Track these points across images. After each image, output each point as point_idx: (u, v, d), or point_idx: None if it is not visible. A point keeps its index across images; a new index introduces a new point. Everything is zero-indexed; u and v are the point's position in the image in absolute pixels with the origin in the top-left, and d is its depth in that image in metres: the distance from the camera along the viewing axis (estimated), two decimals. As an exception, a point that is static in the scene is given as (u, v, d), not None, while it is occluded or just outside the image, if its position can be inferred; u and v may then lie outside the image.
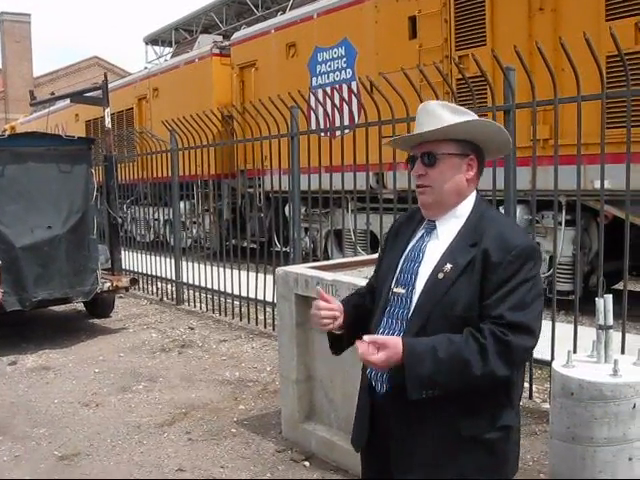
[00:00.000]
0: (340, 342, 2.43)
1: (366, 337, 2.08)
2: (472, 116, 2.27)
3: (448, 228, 2.24)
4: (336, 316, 2.31)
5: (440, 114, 2.23)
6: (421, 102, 6.04)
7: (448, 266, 2.14)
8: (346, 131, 7.18)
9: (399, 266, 2.29)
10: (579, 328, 5.18)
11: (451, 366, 2.03)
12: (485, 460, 2.15)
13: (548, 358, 5.15)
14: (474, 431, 2.13)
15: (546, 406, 5.11)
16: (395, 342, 2.06)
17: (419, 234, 2.32)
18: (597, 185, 7.59)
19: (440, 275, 2.14)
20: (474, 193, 2.30)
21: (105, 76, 9.94)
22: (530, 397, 5.46)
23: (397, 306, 2.24)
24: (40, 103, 14.83)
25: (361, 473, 2.50)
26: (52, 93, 13.18)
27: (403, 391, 2.07)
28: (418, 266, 2.22)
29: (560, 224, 7.97)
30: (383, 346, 2.04)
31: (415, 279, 2.21)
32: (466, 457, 2.14)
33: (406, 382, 2.03)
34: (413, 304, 2.19)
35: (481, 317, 2.09)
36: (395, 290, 2.26)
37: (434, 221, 2.28)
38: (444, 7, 9.32)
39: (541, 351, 5.30)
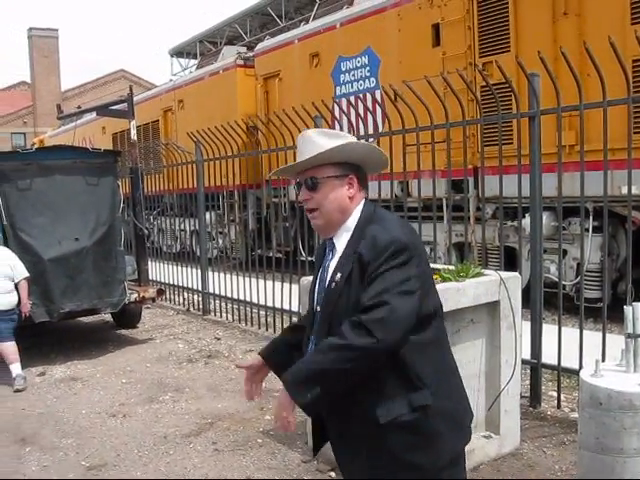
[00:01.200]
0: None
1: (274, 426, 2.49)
2: (349, 139, 2.46)
3: (341, 242, 2.45)
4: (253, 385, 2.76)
5: (317, 141, 2.43)
6: (445, 110, 6.06)
7: (338, 275, 2.37)
8: (370, 140, 7.17)
9: (317, 286, 2.53)
10: (607, 336, 5.13)
11: (320, 358, 2.24)
12: (411, 438, 2.29)
13: (576, 367, 5.10)
14: (391, 417, 2.27)
15: (575, 416, 5.06)
16: (281, 394, 2.30)
17: (326, 253, 2.54)
18: (624, 191, 7.52)
19: (332, 285, 2.38)
20: (361, 204, 2.47)
21: (130, 89, 10.02)
22: (558, 407, 5.40)
23: (316, 323, 2.48)
24: (67, 116, 14.97)
25: None
26: (78, 107, 13.32)
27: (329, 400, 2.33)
28: (324, 284, 2.46)
29: (587, 231, 7.89)
30: (281, 407, 2.32)
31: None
32: (392, 440, 2.29)
33: (290, 394, 2.26)
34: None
35: None
36: (318, 309, 2.48)
37: (332, 239, 2.50)
38: (467, 14, 9.30)
39: (569, 360, 5.27)
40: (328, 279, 2.42)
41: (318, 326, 2.44)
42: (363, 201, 2.48)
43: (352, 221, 2.44)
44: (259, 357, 2.74)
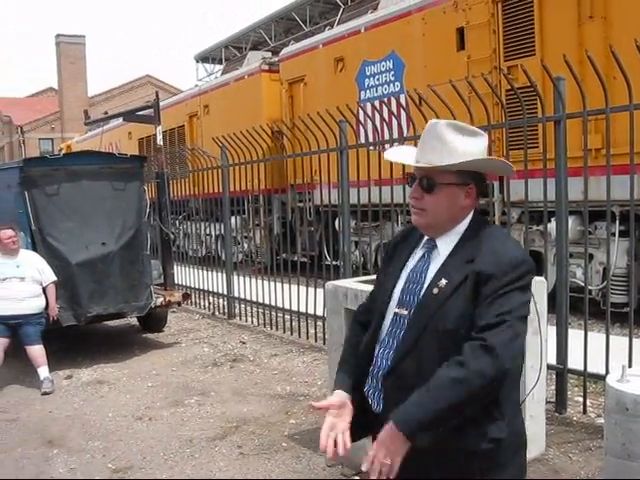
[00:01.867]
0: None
1: (364, 467, 2.06)
2: (481, 137, 2.25)
3: (446, 246, 2.24)
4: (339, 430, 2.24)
5: (448, 139, 2.20)
6: (470, 114, 6.04)
7: (443, 281, 2.16)
8: (395, 144, 7.17)
9: (400, 287, 2.29)
10: (634, 341, 5.08)
11: (445, 397, 2.00)
12: (482, 468, 2.14)
13: (602, 372, 5.06)
14: (462, 445, 2.11)
15: (600, 421, 5.01)
16: (387, 437, 2.04)
17: (419, 254, 2.32)
18: (652, 195, 7.46)
19: (435, 290, 2.16)
20: (472, 213, 2.29)
21: (156, 95, 10.11)
22: (584, 412, 5.35)
23: (398, 327, 2.25)
24: (94, 122, 15.12)
25: None
26: (105, 112, 13.47)
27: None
28: (420, 288, 2.22)
29: (613, 235, 7.83)
30: (387, 452, 2.03)
31: (417, 300, 2.22)
32: (456, 467, 2.14)
33: (409, 439, 2.01)
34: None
35: (469, 330, 2.08)
36: (397, 311, 2.26)
37: (434, 239, 2.28)
38: (492, 18, 9.27)
39: (595, 365, 5.23)
40: (427, 283, 2.20)
41: (399, 330, 2.24)
42: (474, 210, 2.29)
43: (462, 227, 2.25)
44: (341, 392, 2.32)
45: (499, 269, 2.09)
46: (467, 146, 2.20)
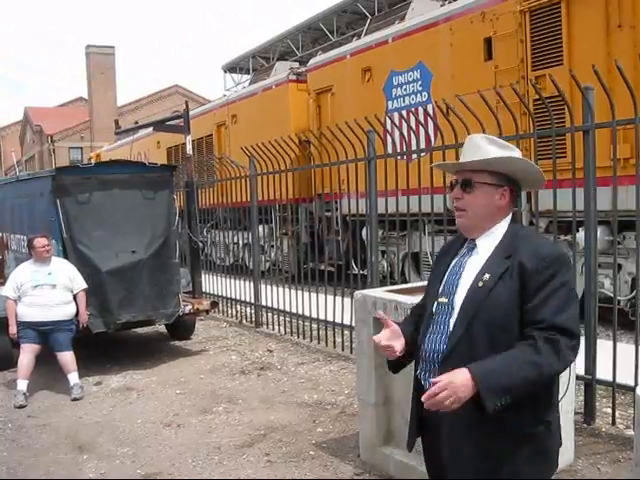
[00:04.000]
0: (397, 364, 2.76)
1: (431, 390, 2.23)
2: (515, 152, 2.55)
3: (485, 245, 2.52)
4: (393, 346, 2.58)
5: (483, 146, 2.52)
6: (498, 124, 6.04)
7: (486, 275, 2.41)
8: (423, 154, 7.18)
9: (444, 279, 2.58)
10: (664, 352, 5.04)
11: (522, 372, 2.23)
12: (532, 453, 2.37)
13: (631, 383, 5.03)
14: (521, 427, 2.34)
15: (630, 432, 4.98)
16: (462, 380, 2.22)
17: (462, 252, 2.60)
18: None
19: (480, 283, 2.41)
20: (508, 217, 2.57)
21: (186, 105, 10.22)
22: (613, 423, 5.32)
23: (441, 314, 2.51)
24: (124, 132, 15.29)
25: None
26: (136, 122, 13.65)
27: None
28: (459, 278, 2.51)
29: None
30: (456, 390, 2.20)
31: (456, 289, 2.50)
32: (516, 452, 2.35)
33: (481, 395, 2.19)
34: (455, 310, 2.45)
35: (522, 322, 2.34)
36: (440, 300, 2.54)
37: (474, 240, 2.57)
38: (520, 27, 9.25)
39: (624, 376, 5.19)
40: (472, 278, 2.45)
41: (442, 316, 2.50)
42: (510, 215, 2.58)
43: (500, 229, 2.53)
44: (401, 328, 2.66)
45: (540, 264, 2.34)
46: (499, 153, 2.51)
